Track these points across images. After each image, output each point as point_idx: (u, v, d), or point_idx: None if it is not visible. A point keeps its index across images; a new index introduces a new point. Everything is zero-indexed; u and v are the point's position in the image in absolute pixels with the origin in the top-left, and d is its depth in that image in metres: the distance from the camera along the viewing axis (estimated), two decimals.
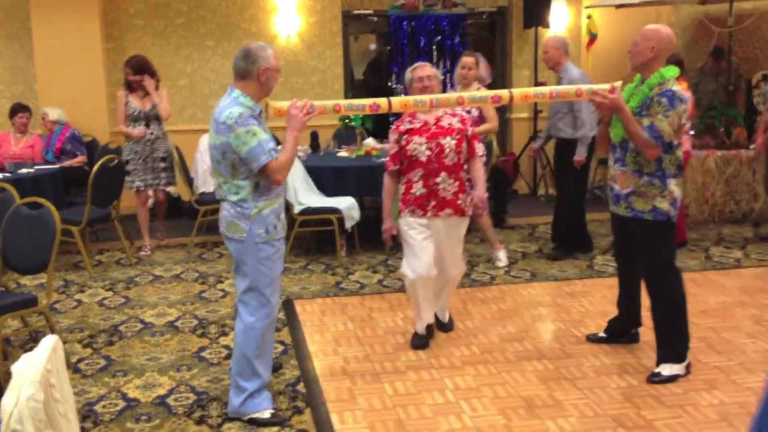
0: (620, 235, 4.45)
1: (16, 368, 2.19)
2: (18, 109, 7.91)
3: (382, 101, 4.31)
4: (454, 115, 4.72)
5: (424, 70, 4.70)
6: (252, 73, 3.75)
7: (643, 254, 4.25)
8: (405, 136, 4.65)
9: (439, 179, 4.58)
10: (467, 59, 6.55)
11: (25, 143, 7.93)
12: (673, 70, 4.14)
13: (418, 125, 4.66)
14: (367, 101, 4.33)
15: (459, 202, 4.63)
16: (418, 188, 4.62)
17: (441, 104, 4.45)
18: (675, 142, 4.10)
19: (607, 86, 4.19)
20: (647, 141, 4.04)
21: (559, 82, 6.33)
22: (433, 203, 4.61)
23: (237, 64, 3.80)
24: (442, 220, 4.63)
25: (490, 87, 6.90)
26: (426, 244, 4.62)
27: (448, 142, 4.59)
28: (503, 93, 4.47)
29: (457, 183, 4.63)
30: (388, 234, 4.76)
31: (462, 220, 4.71)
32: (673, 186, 4.14)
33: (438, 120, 4.67)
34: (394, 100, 4.35)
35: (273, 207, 3.83)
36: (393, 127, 4.78)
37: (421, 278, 4.60)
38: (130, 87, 7.11)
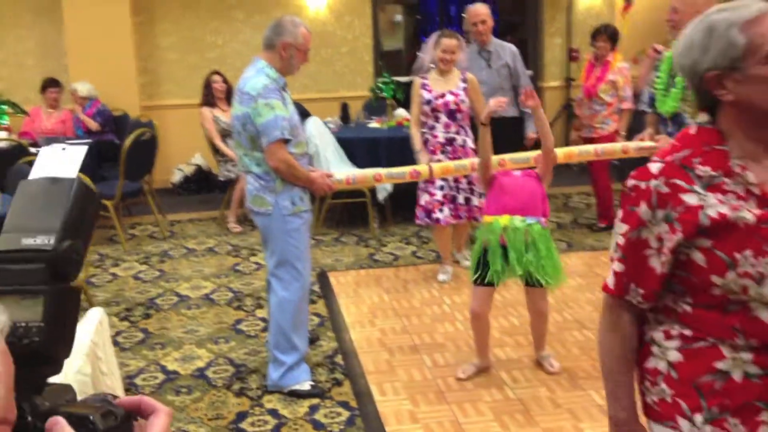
0: None
1: None
2: (49, 84, 7.91)
3: (423, 168, 4.37)
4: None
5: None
6: (275, 45, 3.70)
7: None
8: None
9: None
10: (449, 42, 5.20)
11: (57, 118, 7.93)
12: None
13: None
14: (407, 169, 4.40)
15: None
16: None
17: (470, 169, 4.53)
18: None
19: (650, 143, 4.19)
20: None
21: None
22: None
23: (266, 33, 3.76)
24: None
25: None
26: None
27: None
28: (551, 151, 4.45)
29: None
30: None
31: None
32: None
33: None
34: (435, 166, 4.41)
35: None
36: None
37: None
38: (210, 103, 7.24)
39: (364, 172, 4.24)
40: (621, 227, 1.63)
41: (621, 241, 1.63)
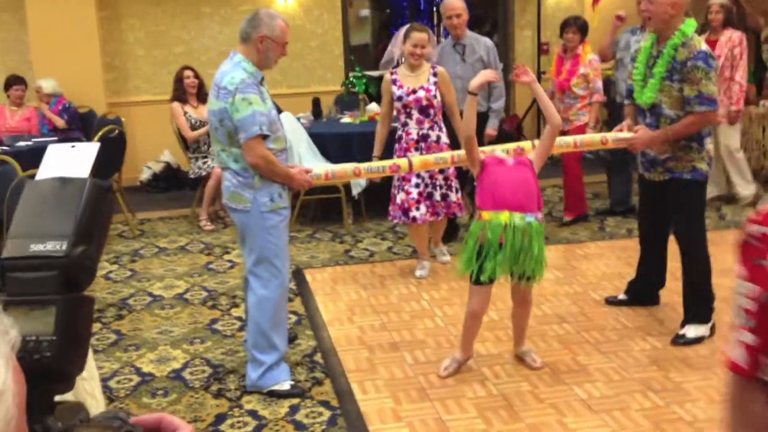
0: (651, 199, 4.34)
1: None
2: (13, 82, 7.72)
3: (403, 162, 4.31)
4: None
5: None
6: (251, 38, 3.62)
7: (680, 214, 4.17)
8: None
9: None
10: (419, 35, 5.10)
11: (21, 116, 7.76)
12: (691, 24, 4.02)
13: None
14: (387, 163, 4.35)
15: None
16: None
17: (461, 161, 4.42)
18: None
19: (628, 134, 4.17)
20: (702, 119, 3.95)
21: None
22: None
23: (242, 26, 3.68)
24: None
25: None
26: None
27: None
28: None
29: None
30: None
31: None
32: (709, 145, 4.09)
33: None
34: (415, 160, 4.34)
35: None
36: None
37: None
38: (181, 99, 7.20)
39: (343, 167, 4.17)
40: (747, 287, 1.25)
41: (750, 305, 1.25)
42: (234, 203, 3.71)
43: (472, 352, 3.98)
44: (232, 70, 3.61)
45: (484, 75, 3.78)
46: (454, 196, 5.31)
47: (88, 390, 2.15)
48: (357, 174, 4.18)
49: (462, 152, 4.62)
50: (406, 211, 5.23)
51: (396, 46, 5.33)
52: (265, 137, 3.58)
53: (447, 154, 4.60)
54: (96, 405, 2.21)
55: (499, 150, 4.02)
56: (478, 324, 3.87)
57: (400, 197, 5.27)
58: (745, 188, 6.92)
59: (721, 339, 4.16)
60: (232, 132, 3.59)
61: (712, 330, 4.21)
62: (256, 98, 3.57)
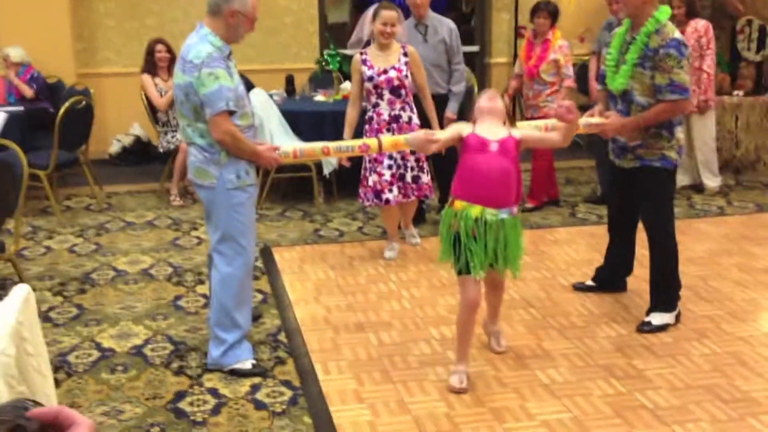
0: (621, 187, 4.32)
1: None
2: None
3: (372, 142, 4.20)
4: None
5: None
6: (222, 11, 3.53)
7: (648, 201, 4.15)
8: None
9: None
10: (389, 14, 5.01)
11: None
12: (666, 11, 3.99)
13: None
14: (356, 142, 4.25)
15: None
16: None
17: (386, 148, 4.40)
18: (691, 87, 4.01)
19: (599, 119, 4.13)
20: (674, 104, 3.91)
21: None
22: None
23: None
24: None
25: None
26: None
27: None
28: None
29: None
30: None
31: None
32: (679, 134, 4.07)
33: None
34: (385, 140, 4.21)
35: None
36: None
37: None
38: (151, 71, 7.11)
39: (312, 146, 4.10)
40: None
41: None
42: (199, 179, 3.64)
43: (468, 356, 3.68)
44: (199, 43, 3.53)
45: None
46: (425, 178, 5.26)
47: (35, 366, 2.09)
48: (326, 153, 4.11)
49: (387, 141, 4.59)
50: (378, 194, 5.17)
51: (365, 25, 5.23)
52: (231, 113, 3.51)
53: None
54: (43, 381, 2.14)
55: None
56: (473, 319, 3.59)
57: (372, 179, 5.19)
58: (712, 180, 6.96)
59: (687, 327, 4.17)
60: (198, 107, 3.52)
61: (677, 318, 4.22)
62: (223, 73, 3.49)
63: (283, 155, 3.83)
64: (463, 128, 3.58)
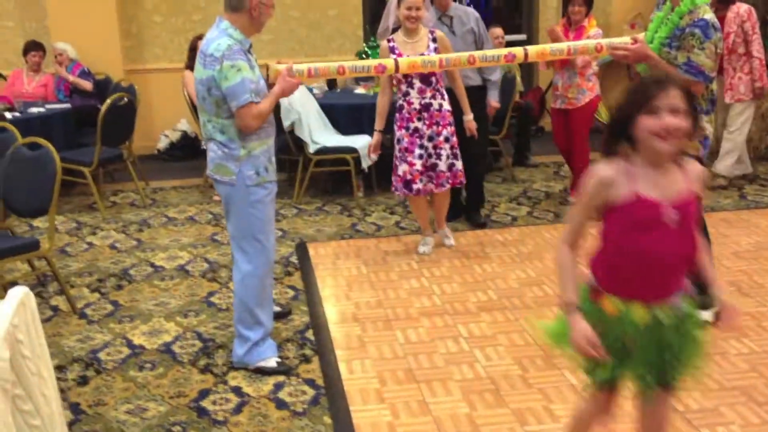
0: None
1: None
2: (31, 47, 7.71)
3: (389, 62, 4.22)
4: None
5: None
6: (245, 6, 3.51)
7: None
8: None
9: None
10: None
11: (38, 82, 7.75)
12: None
13: None
14: (373, 62, 4.30)
15: None
16: None
17: (452, 64, 4.30)
18: (712, 74, 3.81)
19: (627, 39, 3.97)
20: (686, 80, 3.74)
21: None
22: None
23: None
24: None
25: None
26: None
27: None
28: (518, 51, 4.30)
29: None
30: None
31: None
32: (705, 122, 3.86)
33: None
34: (402, 61, 4.24)
35: (263, 148, 3.62)
36: None
37: None
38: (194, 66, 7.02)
39: (326, 65, 4.12)
40: None
41: None
42: (219, 175, 3.64)
43: None
44: (218, 36, 3.52)
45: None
46: (459, 164, 5.10)
47: (32, 369, 2.10)
48: (341, 72, 4.16)
49: (450, 56, 4.47)
50: (408, 183, 5.08)
51: (390, 14, 5.14)
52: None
53: (435, 57, 4.52)
54: (41, 382, 2.16)
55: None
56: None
57: (402, 168, 5.08)
58: (727, 169, 6.78)
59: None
60: (220, 100, 3.51)
61: (717, 315, 4.05)
62: (245, 65, 3.48)
63: (298, 74, 3.80)
64: (608, 178, 2.21)
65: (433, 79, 4.96)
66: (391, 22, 5.11)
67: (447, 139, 5.01)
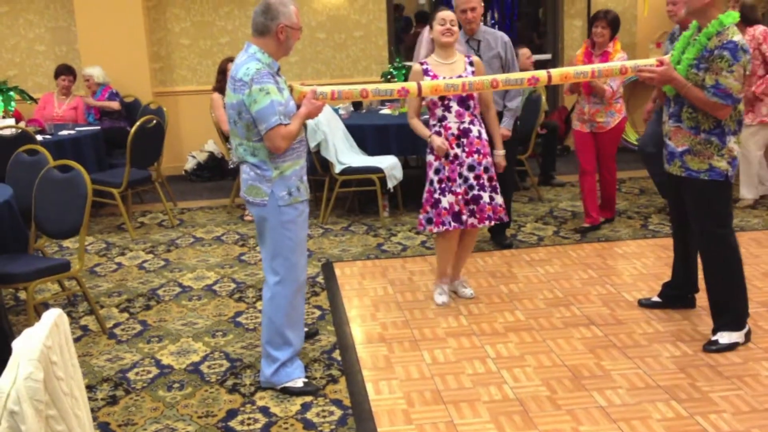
0: (675, 195, 4.17)
1: (15, 345, 2.07)
2: (62, 71, 7.84)
3: (412, 85, 4.19)
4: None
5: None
6: (271, 30, 3.56)
7: (697, 216, 3.96)
8: None
9: None
10: (446, 12, 4.62)
11: (69, 105, 7.88)
12: (732, 16, 3.81)
13: None
14: (396, 86, 4.25)
15: None
16: None
17: (475, 87, 4.27)
18: (739, 96, 3.79)
19: (653, 61, 3.97)
20: (714, 103, 3.73)
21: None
22: None
23: (256, 19, 3.61)
24: None
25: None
26: None
27: None
28: (541, 74, 4.26)
29: None
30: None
31: None
32: (732, 143, 3.84)
33: None
34: (425, 84, 4.21)
35: (295, 169, 3.65)
36: None
37: None
38: (222, 90, 7.13)
39: (350, 88, 4.07)
40: None
41: None
42: (251, 196, 3.67)
43: None
44: (247, 61, 3.56)
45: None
46: (500, 199, 4.70)
47: (65, 390, 2.12)
48: (364, 96, 4.11)
49: (473, 79, 4.36)
50: (457, 215, 4.61)
51: (422, 47, 4.86)
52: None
53: (458, 81, 4.29)
54: (74, 403, 2.18)
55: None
56: None
57: (447, 200, 4.59)
58: (751, 191, 6.70)
59: (758, 347, 3.97)
60: (251, 124, 3.55)
61: (747, 336, 4.01)
62: (273, 88, 3.52)
63: (321, 97, 3.80)
64: None
65: (471, 103, 4.62)
66: (423, 55, 4.80)
67: (486, 170, 4.64)
